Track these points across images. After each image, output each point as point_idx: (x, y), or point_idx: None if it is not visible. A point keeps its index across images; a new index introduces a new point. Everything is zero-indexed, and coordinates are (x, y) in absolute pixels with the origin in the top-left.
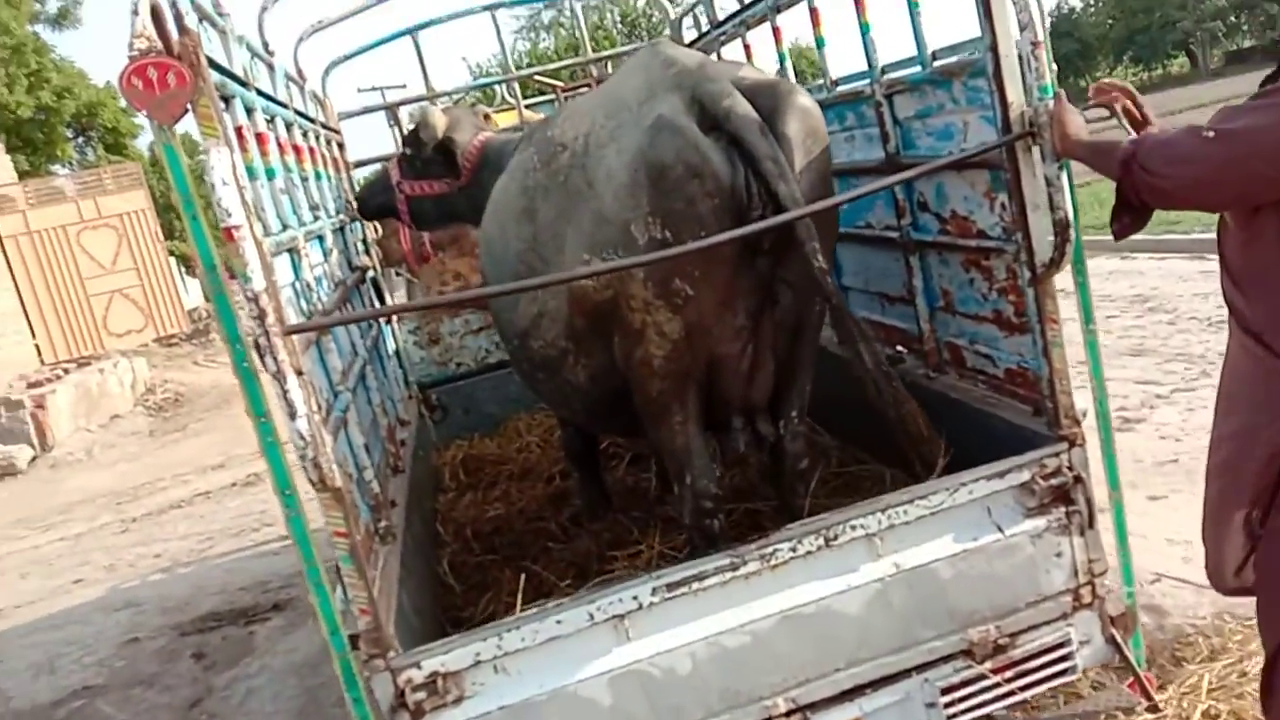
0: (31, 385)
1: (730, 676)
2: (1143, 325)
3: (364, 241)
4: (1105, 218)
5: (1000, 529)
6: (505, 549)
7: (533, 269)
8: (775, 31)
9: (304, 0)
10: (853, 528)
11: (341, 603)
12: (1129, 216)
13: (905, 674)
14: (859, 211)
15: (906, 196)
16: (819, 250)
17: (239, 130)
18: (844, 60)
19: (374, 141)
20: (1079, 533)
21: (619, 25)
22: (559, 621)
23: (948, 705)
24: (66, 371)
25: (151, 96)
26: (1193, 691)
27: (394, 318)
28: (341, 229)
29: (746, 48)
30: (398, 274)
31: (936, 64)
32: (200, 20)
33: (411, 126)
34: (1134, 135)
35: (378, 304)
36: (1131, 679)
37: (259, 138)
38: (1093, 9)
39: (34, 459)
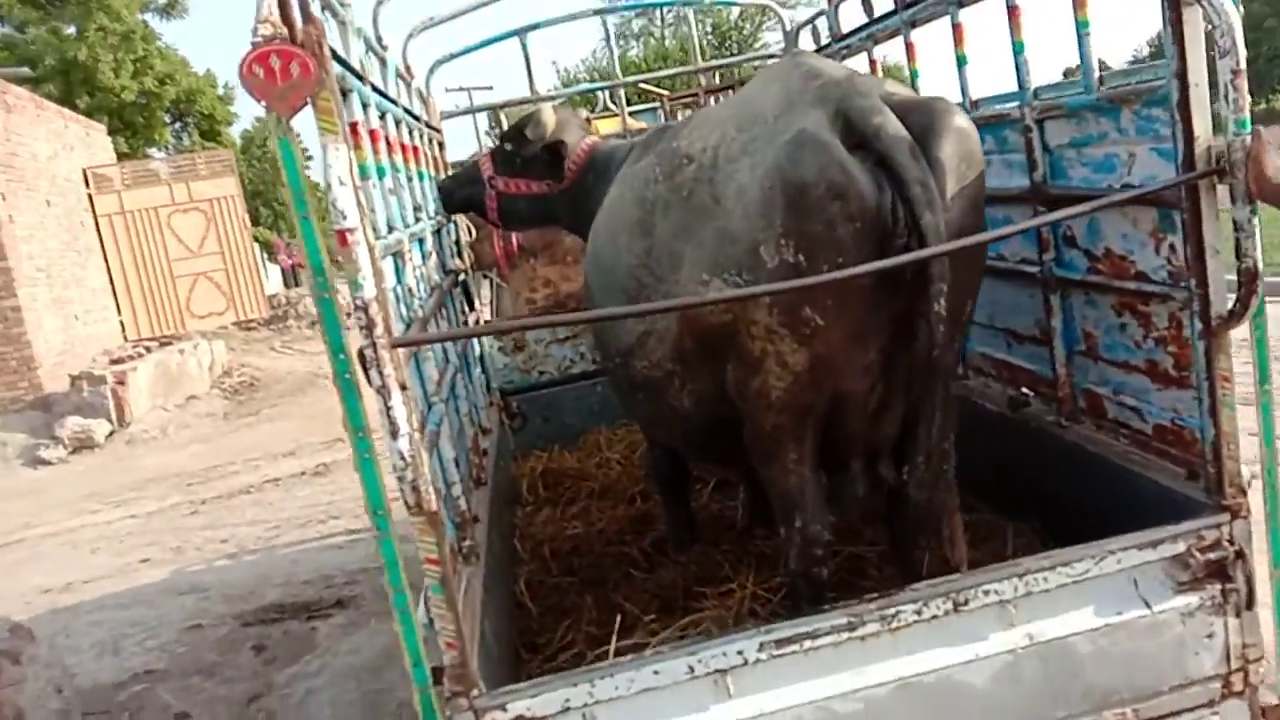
0: (114, 361)
1: None
2: None
3: (456, 244)
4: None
5: (1147, 603)
6: (584, 571)
7: (644, 286)
8: (909, 47)
9: None
10: (985, 592)
11: (425, 629)
12: None
13: None
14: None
15: (1051, 230)
16: (944, 293)
17: (353, 126)
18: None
19: (458, 143)
20: (1235, 613)
21: (709, 36)
22: (656, 672)
23: None
24: (149, 350)
25: (273, 86)
26: None
27: (480, 322)
28: (439, 231)
29: (872, 63)
30: (485, 276)
31: (1105, 90)
32: (323, 9)
33: (517, 123)
34: None
35: (467, 308)
36: None
37: (371, 135)
38: None
39: (111, 434)
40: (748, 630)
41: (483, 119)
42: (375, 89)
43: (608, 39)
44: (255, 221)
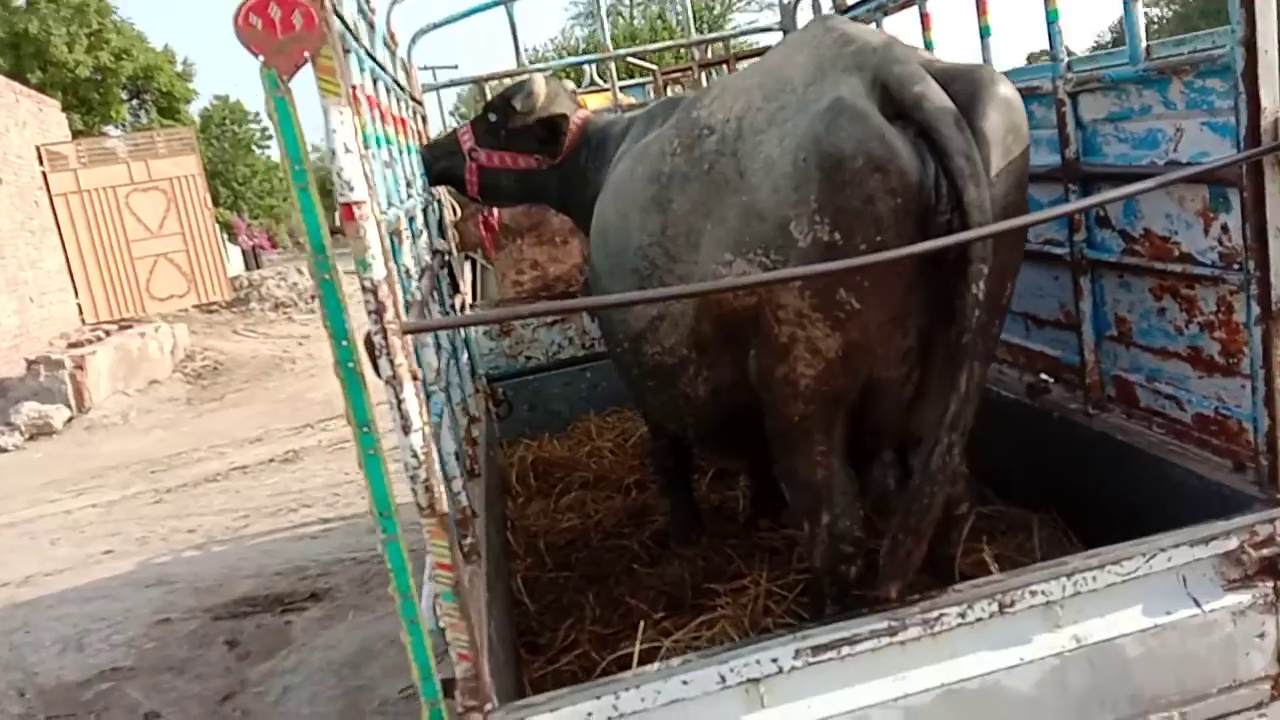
0: (72, 345)
1: None
2: None
3: (440, 223)
4: None
5: (1197, 602)
6: (582, 566)
7: (657, 267)
8: (924, 18)
9: None
10: (1032, 593)
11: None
12: None
13: None
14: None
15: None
16: (983, 275)
17: (353, 91)
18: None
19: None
20: None
21: (678, 18)
22: (685, 682)
23: None
24: (108, 333)
25: (271, 39)
26: None
27: (466, 306)
28: (425, 209)
29: (924, 17)
30: (468, 258)
31: (1154, 60)
32: None
33: (503, 92)
34: None
35: (452, 292)
36: None
37: (368, 101)
38: None
39: (70, 420)
40: (781, 636)
41: (449, 99)
42: (369, 54)
43: (597, 9)
44: (215, 202)
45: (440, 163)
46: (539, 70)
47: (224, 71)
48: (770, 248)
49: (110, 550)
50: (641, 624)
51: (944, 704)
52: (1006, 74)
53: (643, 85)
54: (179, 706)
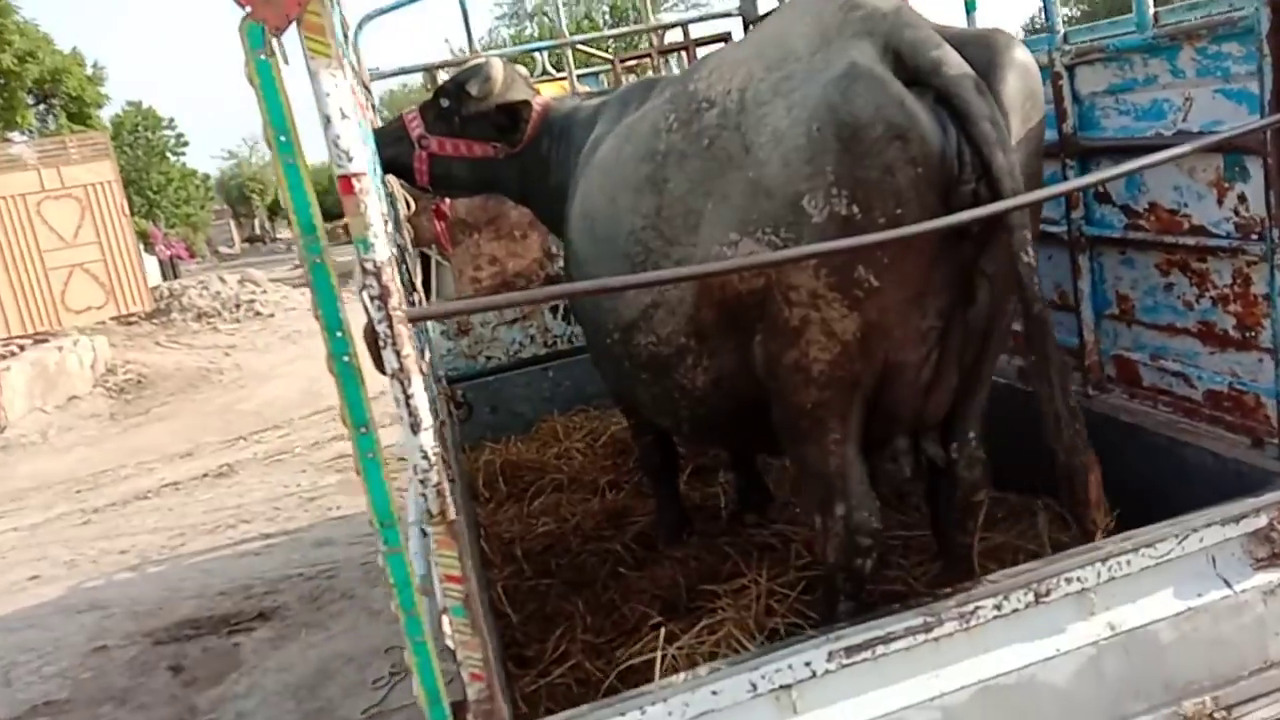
0: None
1: None
2: None
3: (395, 217)
4: None
5: (1228, 583)
6: (564, 573)
7: (651, 251)
8: None
9: None
10: (1067, 580)
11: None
12: None
13: None
14: None
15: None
16: (1029, 242)
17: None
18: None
19: None
20: None
21: (606, 17)
22: (715, 692)
23: None
24: (22, 348)
25: None
26: None
27: (422, 304)
28: (391, 200)
29: None
30: (423, 254)
31: (1162, 27)
32: None
33: (456, 77)
34: None
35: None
36: None
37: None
38: None
39: None
40: (813, 638)
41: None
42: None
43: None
44: (130, 211)
45: (387, 150)
46: (493, 56)
47: (135, 77)
48: (780, 225)
49: (36, 575)
50: (660, 633)
51: (982, 701)
52: None
53: (597, 74)
54: None
